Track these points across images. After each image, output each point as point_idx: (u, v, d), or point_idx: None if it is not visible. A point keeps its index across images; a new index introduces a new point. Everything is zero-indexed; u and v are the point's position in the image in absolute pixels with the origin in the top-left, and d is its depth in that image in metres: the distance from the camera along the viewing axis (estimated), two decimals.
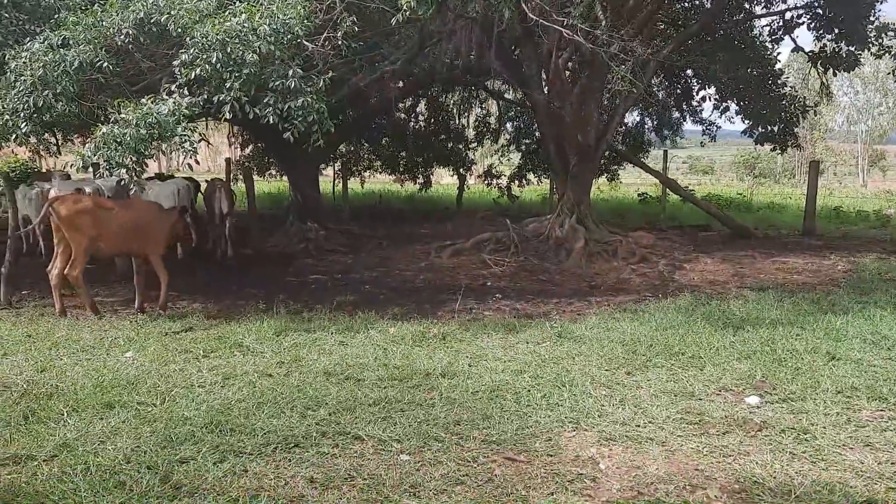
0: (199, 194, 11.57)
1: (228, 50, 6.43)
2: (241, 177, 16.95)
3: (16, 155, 17.10)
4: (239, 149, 19.06)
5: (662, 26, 14.36)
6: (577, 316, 7.66)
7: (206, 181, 11.71)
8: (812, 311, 7.43)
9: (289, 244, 12.51)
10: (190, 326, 7.00)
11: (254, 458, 4.03)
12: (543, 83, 11.98)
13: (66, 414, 4.63)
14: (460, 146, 18.56)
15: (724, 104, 15.80)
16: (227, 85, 6.52)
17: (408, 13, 6.86)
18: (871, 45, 13.32)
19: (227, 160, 16.45)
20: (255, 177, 18.38)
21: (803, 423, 4.56)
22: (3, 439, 4.27)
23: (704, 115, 16.92)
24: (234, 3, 6.94)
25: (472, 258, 11.17)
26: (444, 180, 23.47)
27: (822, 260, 11.11)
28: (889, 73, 13.69)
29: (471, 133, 19.43)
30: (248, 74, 6.55)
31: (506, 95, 17.76)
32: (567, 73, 12.35)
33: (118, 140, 6.26)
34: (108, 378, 5.28)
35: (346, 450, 4.18)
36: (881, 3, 13.51)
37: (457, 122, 19.07)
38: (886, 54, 13.50)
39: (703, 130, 17.28)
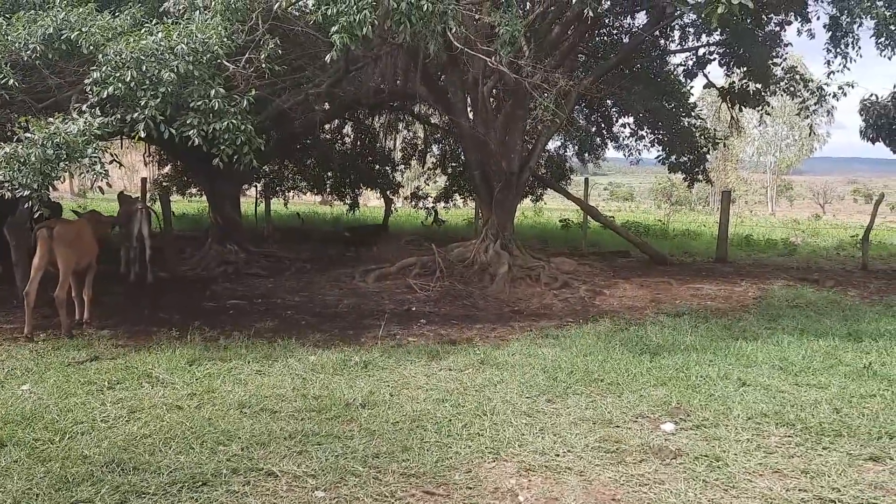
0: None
1: (144, 68, 6.22)
2: (157, 196, 16.42)
3: None
4: (157, 167, 18.47)
5: (583, 58, 14.78)
6: (500, 342, 7.67)
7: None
8: (724, 337, 7.68)
9: (207, 267, 12.14)
10: (96, 355, 6.63)
11: (157, 499, 3.82)
12: (468, 110, 12.10)
13: None
14: (387, 168, 18.53)
15: (640, 133, 16.39)
16: (142, 103, 6.29)
17: (340, 47, 6.74)
18: (776, 84, 14.09)
19: (143, 179, 15.92)
20: (176, 196, 17.86)
21: (716, 451, 4.65)
22: None
23: (624, 141, 17.46)
24: (151, 21, 6.72)
25: (397, 283, 11.11)
26: (371, 202, 23.36)
27: (733, 286, 11.53)
28: (797, 112, 14.50)
29: (398, 156, 19.41)
30: (165, 94, 6.34)
31: (432, 120, 17.84)
32: (492, 101, 12.51)
33: (21, 160, 5.92)
34: None
35: (258, 487, 4.02)
36: (786, 46, 14.34)
37: (383, 144, 19.04)
38: (792, 97, 14.31)
39: (625, 156, 17.84)
